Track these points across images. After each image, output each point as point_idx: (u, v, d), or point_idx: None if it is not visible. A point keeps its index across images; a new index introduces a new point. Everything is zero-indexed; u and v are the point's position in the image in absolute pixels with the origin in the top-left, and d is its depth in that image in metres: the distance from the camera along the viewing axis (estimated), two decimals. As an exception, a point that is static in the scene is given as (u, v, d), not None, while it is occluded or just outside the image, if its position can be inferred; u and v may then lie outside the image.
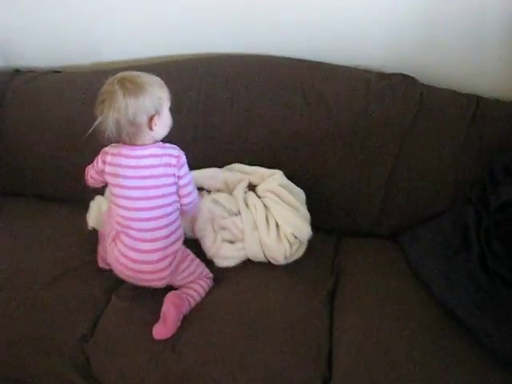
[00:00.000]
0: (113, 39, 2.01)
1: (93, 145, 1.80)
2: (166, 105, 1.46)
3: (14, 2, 2.01)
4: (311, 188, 1.71)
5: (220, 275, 1.59)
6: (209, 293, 1.53)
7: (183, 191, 1.52)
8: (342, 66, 1.80)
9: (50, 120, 1.91)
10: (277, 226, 1.62)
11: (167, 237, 1.48)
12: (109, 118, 1.36)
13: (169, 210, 1.48)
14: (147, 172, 1.45)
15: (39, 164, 1.93)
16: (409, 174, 1.68)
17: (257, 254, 1.61)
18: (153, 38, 1.96)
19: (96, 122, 1.39)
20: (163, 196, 1.47)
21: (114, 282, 1.56)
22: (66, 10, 1.97)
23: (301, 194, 1.69)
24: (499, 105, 1.72)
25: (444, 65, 1.80)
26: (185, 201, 1.53)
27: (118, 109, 1.35)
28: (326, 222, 1.73)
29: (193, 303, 1.50)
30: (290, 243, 1.59)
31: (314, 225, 1.64)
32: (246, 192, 1.71)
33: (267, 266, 1.61)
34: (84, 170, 1.58)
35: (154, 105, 1.41)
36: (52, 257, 1.64)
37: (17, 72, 2.08)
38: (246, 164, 1.77)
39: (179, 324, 1.43)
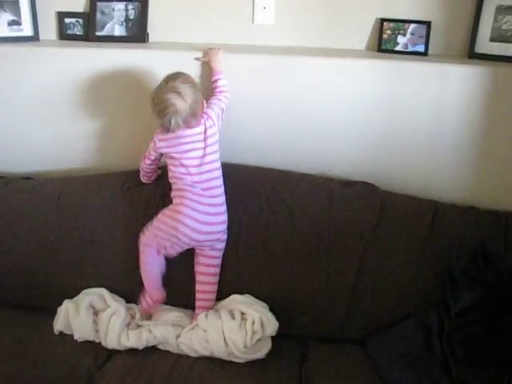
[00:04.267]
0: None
1: (60, 253, 1.82)
2: None
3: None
4: (276, 296, 1.72)
5: (194, 379, 1.56)
6: None
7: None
8: (307, 175, 1.87)
9: (19, 228, 1.86)
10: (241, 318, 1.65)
11: None
12: (177, 119, 1.62)
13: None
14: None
15: (5, 271, 1.86)
16: (372, 279, 1.72)
17: (218, 341, 1.61)
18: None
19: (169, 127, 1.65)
20: None
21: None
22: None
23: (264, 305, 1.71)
24: (455, 209, 1.80)
25: (403, 172, 1.90)
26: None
27: (180, 109, 1.62)
28: (292, 329, 1.72)
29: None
30: (252, 332, 1.60)
31: (281, 333, 1.65)
32: None
33: (239, 371, 1.58)
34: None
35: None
36: (14, 367, 1.59)
37: (-14, 178, 2.03)
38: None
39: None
